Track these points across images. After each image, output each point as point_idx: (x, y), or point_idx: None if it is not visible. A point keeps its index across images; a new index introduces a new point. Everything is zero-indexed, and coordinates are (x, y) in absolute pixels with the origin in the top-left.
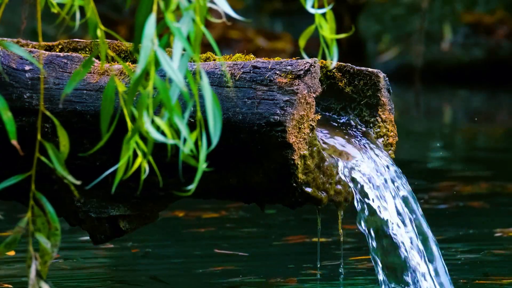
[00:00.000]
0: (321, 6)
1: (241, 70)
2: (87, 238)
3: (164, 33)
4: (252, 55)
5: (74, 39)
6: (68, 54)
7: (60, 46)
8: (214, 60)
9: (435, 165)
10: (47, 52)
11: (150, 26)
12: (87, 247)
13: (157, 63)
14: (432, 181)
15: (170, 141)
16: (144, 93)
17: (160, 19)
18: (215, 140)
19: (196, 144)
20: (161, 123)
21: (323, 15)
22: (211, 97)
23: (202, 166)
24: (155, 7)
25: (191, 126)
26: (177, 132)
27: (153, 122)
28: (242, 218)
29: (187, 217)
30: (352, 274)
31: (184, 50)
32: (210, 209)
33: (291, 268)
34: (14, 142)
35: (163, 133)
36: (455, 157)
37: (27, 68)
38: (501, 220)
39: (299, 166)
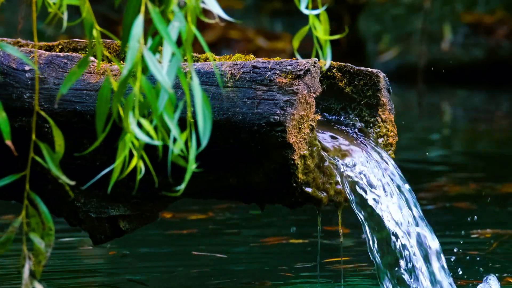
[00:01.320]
0: (315, 7)
1: (241, 70)
2: (65, 240)
3: (157, 33)
4: (252, 55)
5: (74, 39)
6: (68, 54)
7: (60, 46)
8: (215, 60)
9: (429, 165)
10: (47, 52)
11: (138, 27)
12: (64, 249)
13: (146, 66)
14: (423, 181)
15: (156, 142)
16: (129, 94)
17: (151, 20)
18: (204, 141)
19: (187, 144)
20: (147, 124)
21: (317, 16)
22: (201, 97)
23: (192, 167)
24: (143, 8)
25: (185, 126)
26: (168, 133)
27: (139, 123)
28: (228, 219)
29: (173, 219)
30: (325, 276)
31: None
32: (197, 210)
33: (267, 270)
34: (8, 142)
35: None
36: (450, 157)
37: (27, 68)
38: (482, 221)
39: (299, 166)
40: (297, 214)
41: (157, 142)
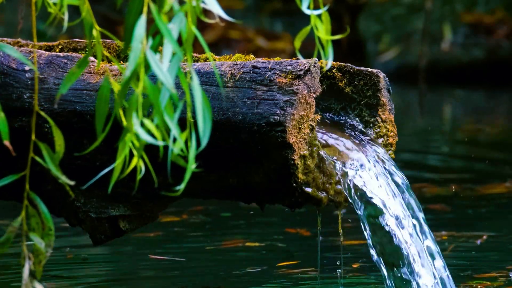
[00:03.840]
0: (317, 7)
1: (241, 70)
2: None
3: (157, 33)
4: (252, 55)
5: (74, 39)
6: (68, 54)
7: (60, 46)
8: (215, 60)
9: (417, 166)
10: (47, 52)
11: (140, 27)
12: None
13: (148, 66)
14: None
15: (159, 142)
16: (133, 95)
17: (152, 20)
18: (204, 141)
19: (187, 144)
20: (150, 125)
21: (319, 16)
22: (201, 97)
23: (191, 166)
24: (145, 9)
25: (185, 126)
26: (168, 133)
27: (142, 123)
28: (200, 222)
29: None
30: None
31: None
32: (172, 212)
33: (221, 274)
34: (6, 142)
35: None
36: (442, 157)
37: (27, 68)
38: (446, 223)
39: (299, 166)
40: (266, 216)
41: (160, 143)
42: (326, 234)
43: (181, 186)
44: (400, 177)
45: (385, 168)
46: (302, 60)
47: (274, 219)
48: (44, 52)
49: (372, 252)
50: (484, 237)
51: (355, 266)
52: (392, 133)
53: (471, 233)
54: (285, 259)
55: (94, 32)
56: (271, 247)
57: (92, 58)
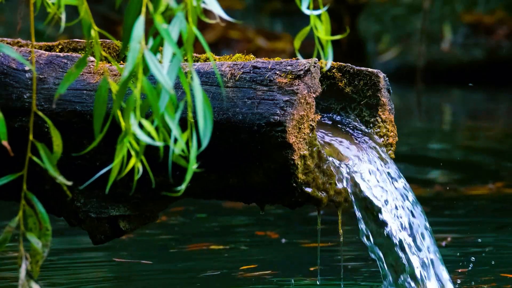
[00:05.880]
0: (316, 7)
1: (241, 70)
2: None
3: (158, 34)
4: (252, 55)
5: (74, 39)
6: (68, 54)
7: (60, 46)
8: (215, 60)
9: (407, 167)
10: (47, 52)
11: (139, 28)
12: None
13: (147, 66)
14: None
15: (157, 143)
16: (131, 95)
17: (153, 20)
18: (205, 141)
19: (188, 144)
20: (148, 125)
21: (318, 16)
22: (201, 98)
23: (192, 167)
24: (143, 9)
25: (185, 126)
26: (169, 133)
27: (141, 124)
28: (174, 224)
29: None
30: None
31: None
32: None
33: (184, 278)
34: (4, 143)
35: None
36: (433, 158)
37: (27, 68)
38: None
39: (299, 166)
40: (245, 214)
41: (159, 143)
42: (297, 236)
43: (182, 187)
44: (399, 178)
45: (384, 168)
46: (302, 60)
47: (248, 221)
48: (44, 52)
49: (370, 243)
50: (449, 238)
51: (312, 269)
52: (392, 133)
53: (439, 235)
54: (245, 263)
55: (92, 32)
56: (235, 250)
57: (92, 58)
